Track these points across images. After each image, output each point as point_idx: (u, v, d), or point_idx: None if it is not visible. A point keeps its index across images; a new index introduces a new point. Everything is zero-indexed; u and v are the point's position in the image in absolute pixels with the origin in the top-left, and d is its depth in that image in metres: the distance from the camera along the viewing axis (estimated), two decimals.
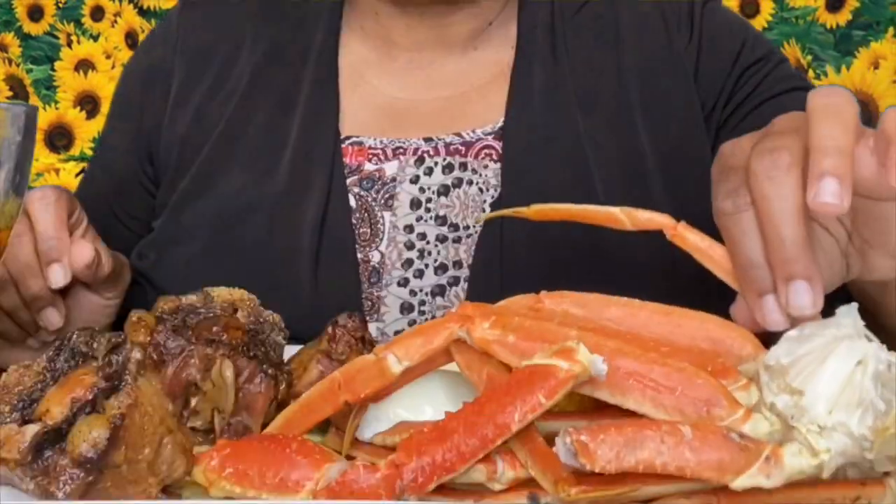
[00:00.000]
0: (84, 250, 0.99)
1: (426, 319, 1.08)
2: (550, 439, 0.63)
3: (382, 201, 1.13)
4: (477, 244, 1.09)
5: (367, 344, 0.79)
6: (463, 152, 1.14)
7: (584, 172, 1.12)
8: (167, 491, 0.65)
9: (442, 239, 1.11)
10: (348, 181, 1.13)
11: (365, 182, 1.14)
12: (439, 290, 1.10)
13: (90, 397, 0.63)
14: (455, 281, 1.10)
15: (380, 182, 1.13)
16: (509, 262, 1.08)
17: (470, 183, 1.13)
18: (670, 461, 0.60)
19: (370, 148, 1.15)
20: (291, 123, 1.17)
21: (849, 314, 0.65)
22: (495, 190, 1.12)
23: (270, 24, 1.24)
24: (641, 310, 0.73)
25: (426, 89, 1.20)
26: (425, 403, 0.72)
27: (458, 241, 1.11)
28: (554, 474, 0.61)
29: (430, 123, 1.17)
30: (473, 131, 1.15)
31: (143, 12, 2.39)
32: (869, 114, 2.24)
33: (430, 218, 1.12)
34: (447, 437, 0.63)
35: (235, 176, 1.16)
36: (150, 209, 1.23)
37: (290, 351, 0.80)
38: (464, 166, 1.13)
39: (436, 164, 1.14)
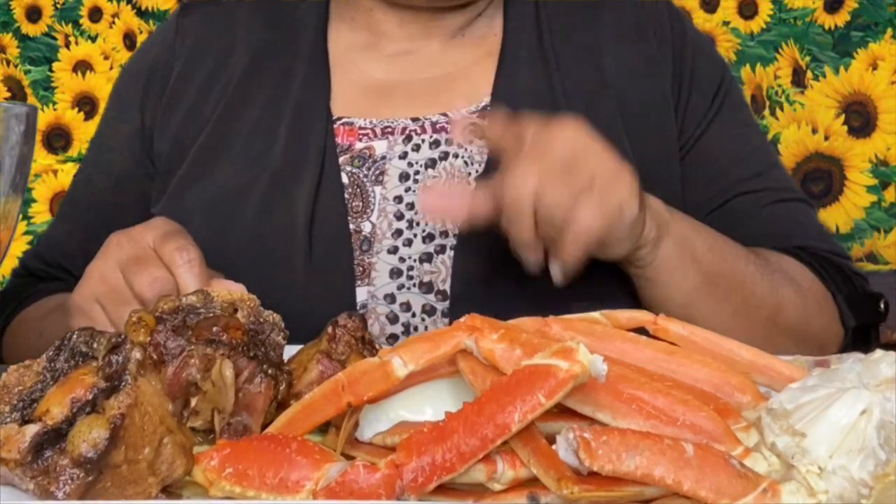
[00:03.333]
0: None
1: (415, 284, 1.15)
2: (551, 441, 0.63)
3: (373, 177, 1.19)
4: None
5: (366, 344, 0.79)
6: (448, 130, 1.21)
7: None
8: (167, 491, 0.64)
9: None
10: (340, 159, 1.20)
11: (356, 160, 1.20)
12: (427, 258, 1.17)
13: (90, 397, 0.63)
14: (442, 249, 1.16)
15: (370, 160, 1.20)
16: (496, 233, 1.12)
17: (456, 156, 1.19)
18: (669, 473, 0.60)
19: (360, 128, 1.22)
20: (285, 107, 1.23)
21: (853, 368, 0.66)
22: (479, 165, 1.19)
23: (261, 24, 1.31)
24: (647, 346, 0.74)
25: (413, 72, 1.27)
26: (426, 404, 0.72)
27: None
28: (557, 472, 0.61)
29: (417, 103, 1.24)
30: (458, 110, 1.22)
31: (141, 13, 2.39)
32: (868, 115, 2.24)
33: (419, 189, 1.18)
34: (447, 437, 0.63)
35: (231, 160, 1.22)
36: (149, 197, 1.27)
37: (290, 351, 0.80)
38: (450, 142, 1.20)
39: (423, 141, 1.21)
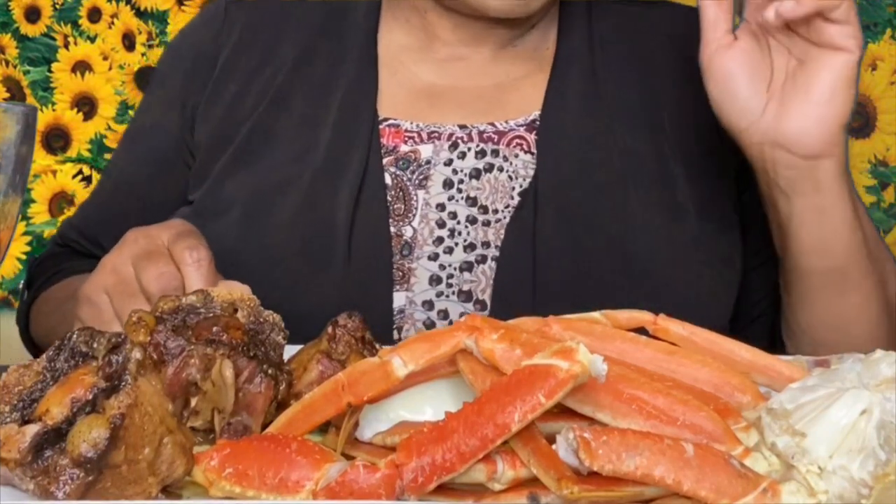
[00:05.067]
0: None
1: (454, 292, 1.15)
2: (551, 441, 0.63)
3: (417, 181, 1.19)
4: (507, 227, 1.16)
5: (367, 344, 0.79)
6: (496, 140, 1.20)
7: (617, 171, 1.18)
8: (167, 491, 0.64)
9: (472, 220, 1.17)
10: (384, 161, 1.19)
11: (401, 162, 1.20)
12: (467, 267, 1.16)
13: (90, 397, 0.63)
14: (483, 259, 1.16)
15: (415, 163, 1.20)
16: (541, 246, 1.14)
17: (501, 169, 1.19)
18: (669, 473, 0.60)
19: (406, 131, 1.22)
20: (332, 104, 1.22)
21: (853, 368, 0.66)
22: (524, 179, 1.18)
23: (311, 17, 1.30)
24: (647, 346, 0.74)
25: (463, 78, 1.25)
26: (426, 404, 0.72)
27: (487, 224, 1.17)
28: (557, 472, 0.61)
29: (465, 111, 1.23)
30: (506, 122, 1.22)
31: (140, 14, 2.38)
32: (867, 115, 2.24)
33: (462, 198, 1.18)
34: (447, 437, 0.63)
35: (275, 152, 1.21)
36: (186, 183, 1.27)
37: (290, 351, 0.80)
38: (496, 153, 1.20)
39: (469, 149, 1.20)
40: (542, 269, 1.14)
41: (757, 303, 1.22)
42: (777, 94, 1.03)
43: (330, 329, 0.79)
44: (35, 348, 1.27)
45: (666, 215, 1.17)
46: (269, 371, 0.74)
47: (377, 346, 0.80)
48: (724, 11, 1.04)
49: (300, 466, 0.63)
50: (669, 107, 1.23)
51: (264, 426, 0.73)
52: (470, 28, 1.24)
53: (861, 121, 2.25)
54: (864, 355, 0.68)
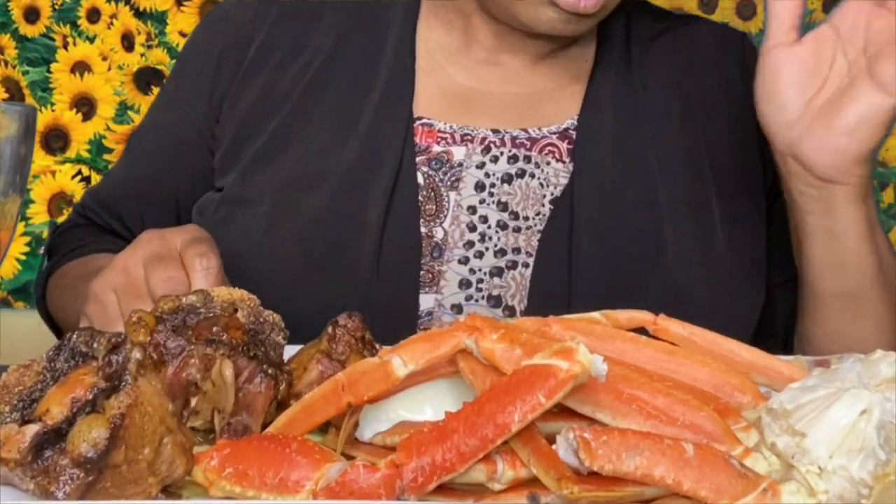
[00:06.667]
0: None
1: (483, 297, 1.15)
2: (551, 441, 0.63)
3: (449, 182, 1.19)
4: (542, 235, 1.16)
5: (367, 344, 0.79)
6: (528, 146, 1.21)
7: (651, 183, 1.19)
8: (167, 491, 0.65)
9: (503, 226, 1.17)
10: (417, 160, 1.19)
11: (433, 162, 1.20)
12: (497, 272, 1.16)
13: (90, 397, 0.63)
14: (513, 265, 1.16)
15: (447, 164, 1.20)
16: (577, 255, 1.15)
17: (532, 176, 1.19)
18: (669, 473, 0.60)
19: (439, 131, 1.21)
20: (368, 99, 1.22)
21: (853, 368, 0.66)
22: (555, 188, 1.18)
23: (348, 7, 1.28)
24: (647, 346, 0.74)
25: (499, 83, 1.25)
26: (426, 404, 0.72)
27: (517, 230, 1.17)
28: (557, 472, 0.61)
29: (499, 115, 1.23)
30: (539, 129, 1.22)
31: (139, 14, 2.38)
32: None
33: (493, 203, 1.18)
34: (447, 437, 0.63)
35: (308, 144, 1.21)
36: (209, 170, 1.26)
37: (289, 351, 0.80)
38: (528, 159, 1.20)
39: (501, 153, 1.20)
40: (578, 277, 1.14)
41: (777, 319, 1.22)
42: (815, 111, 1.02)
43: (330, 329, 0.79)
44: (49, 319, 1.27)
45: (699, 226, 1.18)
46: (269, 371, 0.74)
47: (377, 346, 0.80)
48: (790, 9, 1.02)
49: (300, 466, 0.63)
50: (704, 121, 1.23)
51: (264, 426, 0.73)
52: (511, 37, 1.23)
53: None
54: (863, 355, 0.68)
